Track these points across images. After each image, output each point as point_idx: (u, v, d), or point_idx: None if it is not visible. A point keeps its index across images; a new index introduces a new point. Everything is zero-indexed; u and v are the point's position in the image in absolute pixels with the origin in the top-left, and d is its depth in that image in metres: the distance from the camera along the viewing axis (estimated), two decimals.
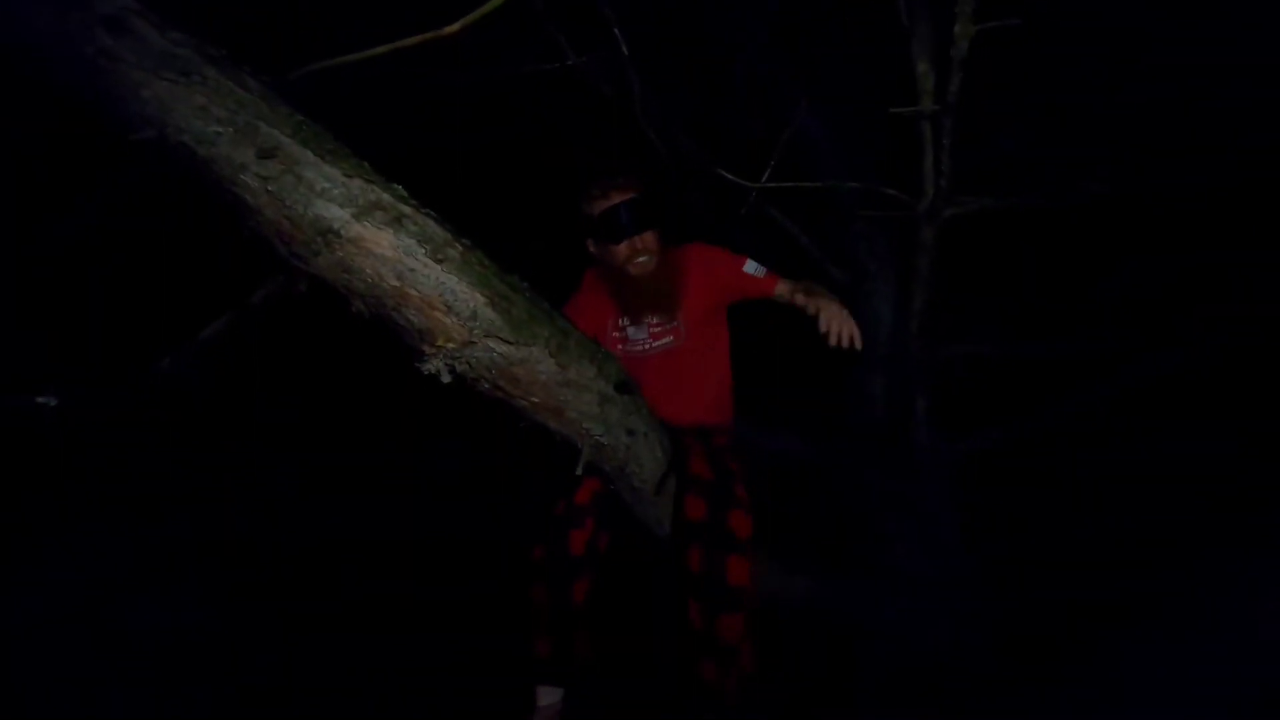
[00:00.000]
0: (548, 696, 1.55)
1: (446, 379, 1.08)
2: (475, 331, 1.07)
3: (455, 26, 1.02)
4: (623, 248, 1.56)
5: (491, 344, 1.09)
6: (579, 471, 1.28)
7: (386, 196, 1.03)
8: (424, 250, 1.03)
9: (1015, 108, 2.25)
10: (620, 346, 1.66)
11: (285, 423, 3.28)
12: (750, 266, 1.61)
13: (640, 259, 1.57)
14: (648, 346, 1.65)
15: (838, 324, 1.42)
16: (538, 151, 2.87)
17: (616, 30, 1.88)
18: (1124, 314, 2.45)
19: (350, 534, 3.19)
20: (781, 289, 1.58)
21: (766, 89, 2.51)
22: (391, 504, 3.28)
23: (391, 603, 2.92)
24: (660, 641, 1.65)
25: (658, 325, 1.65)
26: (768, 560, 1.82)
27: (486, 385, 1.15)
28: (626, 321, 1.66)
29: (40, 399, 1.28)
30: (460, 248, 1.08)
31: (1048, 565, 2.21)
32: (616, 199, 1.54)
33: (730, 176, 1.89)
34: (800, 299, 1.50)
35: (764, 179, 1.90)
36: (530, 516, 1.58)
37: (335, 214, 0.99)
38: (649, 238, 1.57)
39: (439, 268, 1.04)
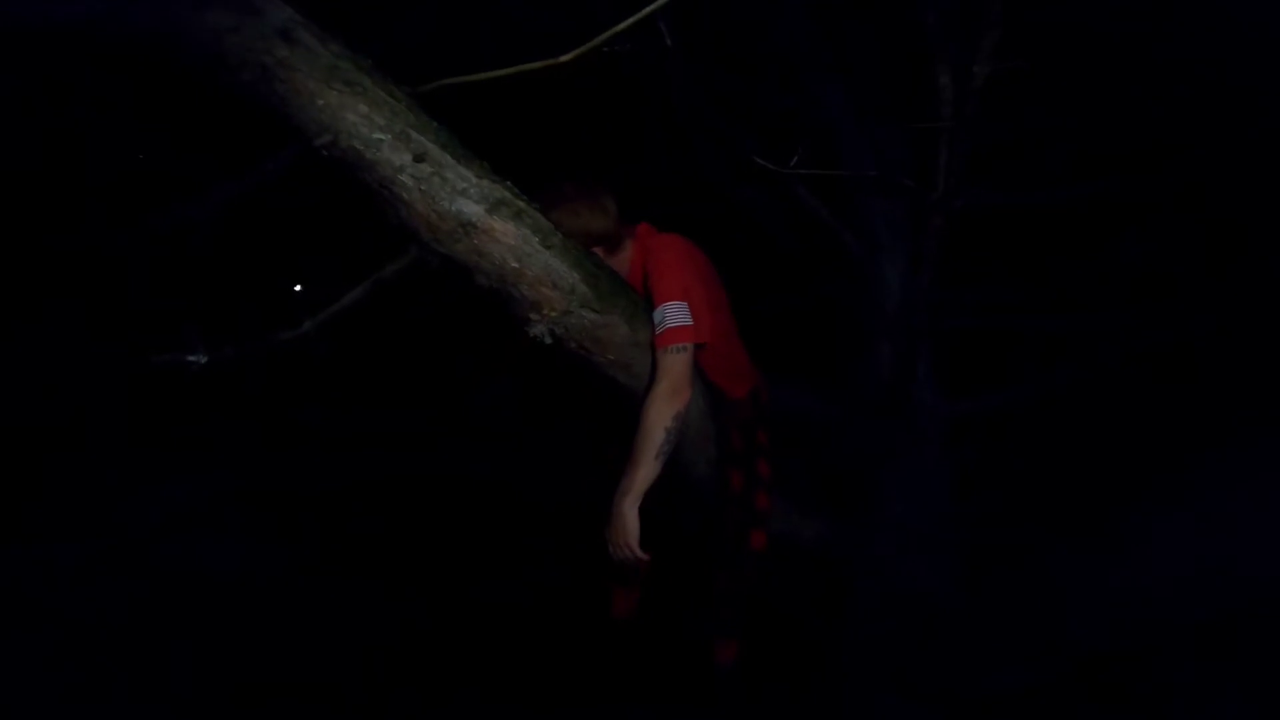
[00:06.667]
0: None
1: (548, 341, 1.37)
2: (573, 302, 1.36)
3: (569, 56, 1.25)
4: None
5: (584, 312, 1.38)
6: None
7: (508, 194, 1.30)
8: (537, 239, 1.31)
9: (1031, 102, 2.44)
10: None
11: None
12: (659, 313, 1.51)
13: None
14: None
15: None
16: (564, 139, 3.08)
17: (661, 24, 2.09)
18: (1126, 289, 2.66)
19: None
20: None
21: (795, 68, 2.70)
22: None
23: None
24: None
25: None
26: (783, 502, 2.14)
27: (574, 345, 1.44)
28: None
29: (191, 357, 1.50)
30: (560, 236, 1.35)
31: (1026, 513, 2.51)
32: None
33: (764, 163, 2.10)
34: None
35: (792, 163, 2.12)
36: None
37: (472, 210, 1.26)
38: None
39: (547, 252, 1.32)
